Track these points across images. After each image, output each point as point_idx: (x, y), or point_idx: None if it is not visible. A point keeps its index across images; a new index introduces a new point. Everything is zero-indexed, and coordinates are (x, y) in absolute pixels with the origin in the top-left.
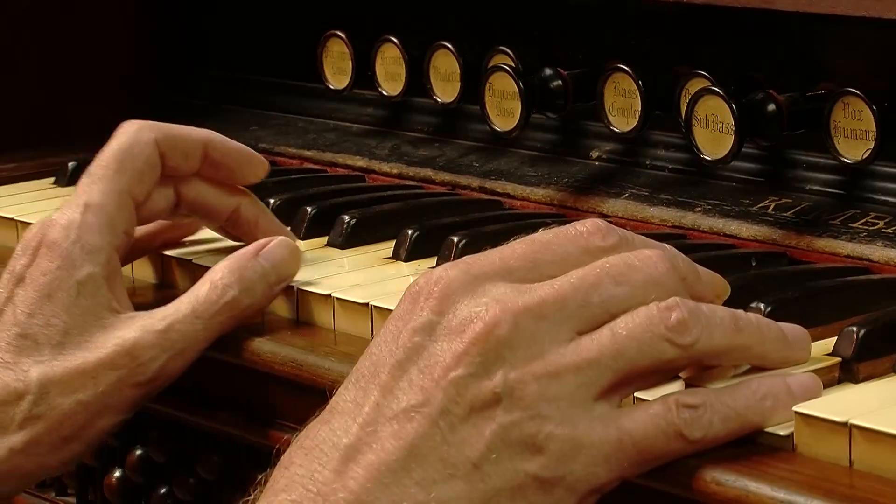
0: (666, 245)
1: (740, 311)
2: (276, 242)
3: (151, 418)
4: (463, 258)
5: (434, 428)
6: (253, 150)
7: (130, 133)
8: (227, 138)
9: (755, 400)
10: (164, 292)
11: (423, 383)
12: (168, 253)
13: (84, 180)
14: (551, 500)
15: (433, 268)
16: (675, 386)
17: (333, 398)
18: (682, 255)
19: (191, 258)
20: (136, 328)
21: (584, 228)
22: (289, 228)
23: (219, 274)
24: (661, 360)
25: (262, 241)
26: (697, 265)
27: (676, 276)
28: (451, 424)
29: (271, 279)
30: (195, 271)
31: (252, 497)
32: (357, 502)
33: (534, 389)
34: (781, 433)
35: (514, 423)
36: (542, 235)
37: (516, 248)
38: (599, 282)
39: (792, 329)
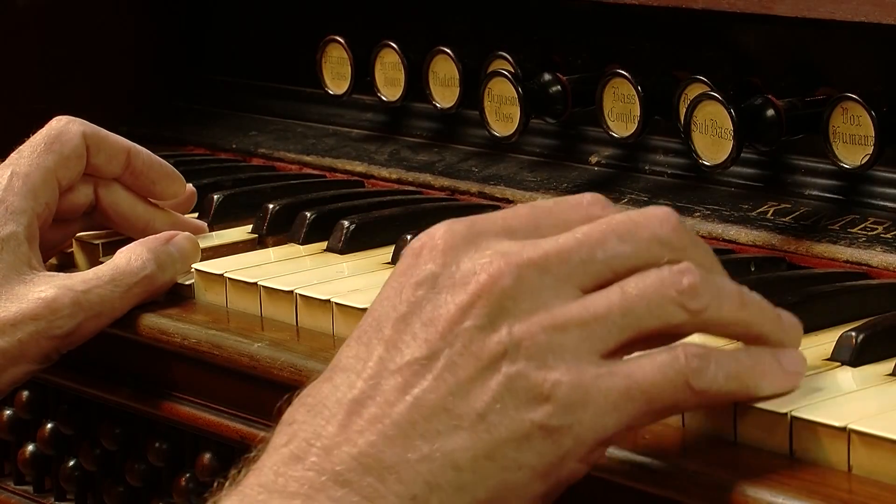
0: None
1: (745, 288)
2: (183, 236)
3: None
4: (466, 217)
5: (439, 380)
6: (175, 169)
7: (61, 123)
8: (151, 153)
9: (752, 364)
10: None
11: (427, 336)
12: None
13: (13, 156)
14: (559, 451)
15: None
16: None
17: (336, 356)
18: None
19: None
20: (56, 286)
21: (584, 199)
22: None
23: (137, 251)
24: (669, 323)
25: (170, 232)
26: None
27: (683, 236)
28: (455, 376)
29: (178, 266)
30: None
31: (253, 454)
32: (361, 456)
33: (540, 340)
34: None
35: (520, 372)
36: (543, 202)
37: (518, 211)
38: (604, 238)
39: (787, 315)
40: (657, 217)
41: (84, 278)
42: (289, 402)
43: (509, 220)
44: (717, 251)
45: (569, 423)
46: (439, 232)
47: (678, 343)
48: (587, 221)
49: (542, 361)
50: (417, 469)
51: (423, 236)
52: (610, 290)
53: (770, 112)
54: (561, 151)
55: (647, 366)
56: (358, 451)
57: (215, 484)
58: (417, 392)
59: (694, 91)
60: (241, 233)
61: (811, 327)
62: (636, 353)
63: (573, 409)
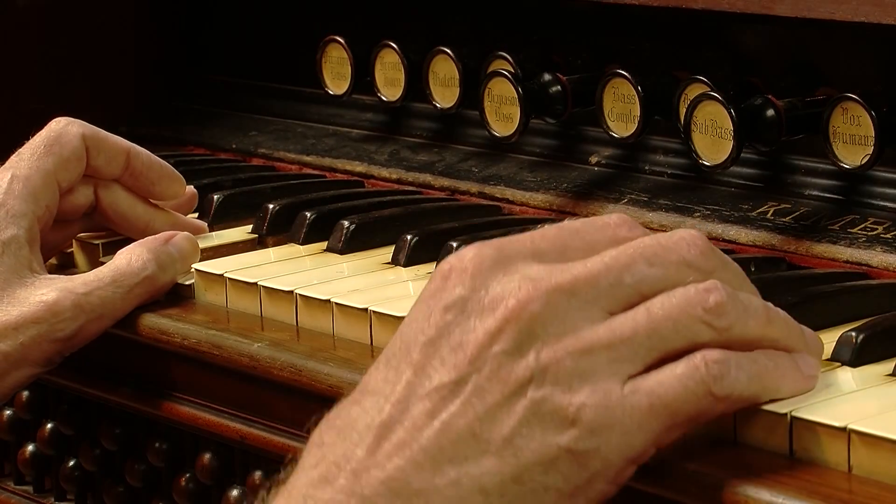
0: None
1: (770, 304)
2: (182, 236)
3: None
4: (495, 240)
5: (466, 405)
6: (174, 169)
7: (60, 125)
8: (151, 153)
9: (772, 365)
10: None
11: (455, 361)
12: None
13: (13, 158)
14: (586, 474)
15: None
16: None
17: (364, 378)
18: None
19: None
20: (57, 289)
21: (611, 220)
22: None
23: (137, 251)
24: (695, 341)
25: (170, 232)
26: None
27: (711, 259)
28: (483, 401)
29: (178, 266)
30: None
31: (283, 475)
32: (389, 480)
33: (566, 365)
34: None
35: (545, 397)
36: (570, 223)
37: (547, 232)
38: (632, 262)
39: (809, 333)
40: (685, 240)
41: (85, 280)
42: (317, 423)
43: (537, 242)
44: None
45: (595, 445)
46: (468, 255)
47: (695, 354)
48: (614, 243)
49: (568, 386)
50: (445, 494)
51: (452, 258)
52: (636, 312)
53: (770, 112)
54: (561, 151)
55: (668, 380)
56: (386, 475)
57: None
58: (445, 417)
59: (694, 91)
60: (241, 233)
61: (811, 328)
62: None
63: (599, 432)
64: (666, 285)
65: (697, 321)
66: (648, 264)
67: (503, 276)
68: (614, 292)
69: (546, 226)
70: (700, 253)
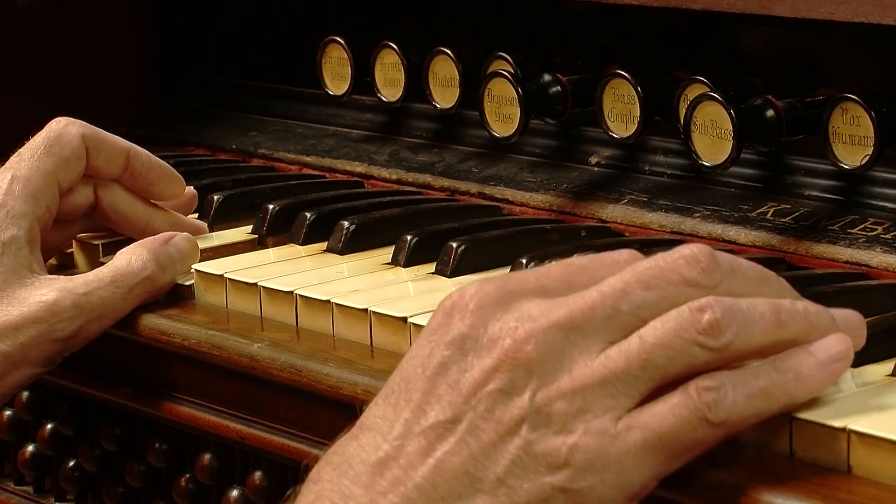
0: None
1: (785, 303)
2: (182, 236)
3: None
4: (499, 275)
5: (461, 444)
6: (174, 170)
7: (60, 125)
8: (151, 154)
9: (777, 374)
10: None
11: (451, 399)
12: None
13: (13, 159)
14: None
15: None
16: None
17: (363, 415)
18: (724, 254)
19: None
20: (57, 289)
21: (621, 257)
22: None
23: (136, 252)
24: (692, 364)
25: (169, 233)
26: (745, 261)
27: (714, 273)
28: (477, 440)
29: (178, 266)
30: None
31: None
32: None
33: (560, 407)
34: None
35: (540, 437)
36: (578, 259)
37: (552, 270)
38: (628, 288)
39: (845, 316)
40: (683, 258)
41: (85, 280)
42: (316, 459)
43: (542, 279)
44: None
45: (590, 484)
46: (470, 291)
47: (691, 381)
48: None
49: (562, 426)
50: None
51: (455, 295)
52: (629, 342)
53: (770, 112)
54: (561, 152)
55: (660, 412)
56: None
57: None
58: (440, 455)
59: (694, 91)
60: (241, 233)
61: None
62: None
63: (593, 471)
64: (665, 307)
65: (692, 344)
66: (646, 288)
67: (503, 314)
68: (612, 322)
69: (553, 263)
70: (701, 269)
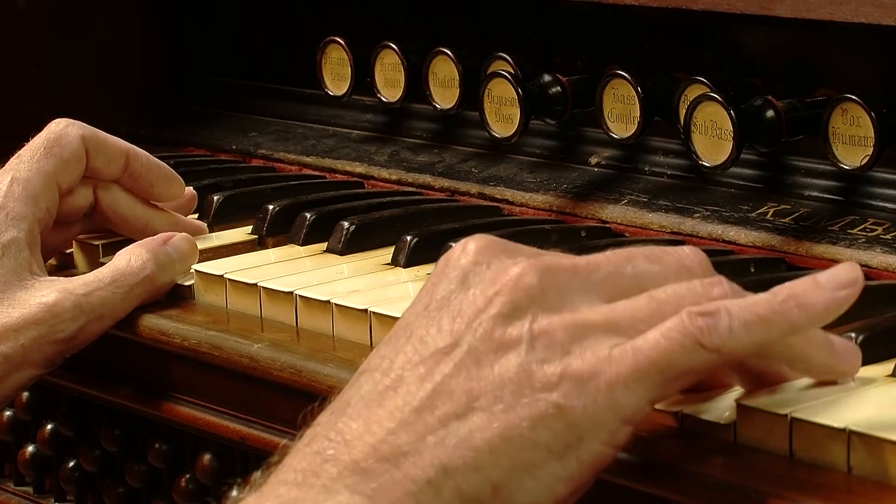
0: None
1: (768, 302)
2: (180, 236)
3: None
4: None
5: (459, 365)
6: (174, 171)
7: (60, 126)
8: (150, 155)
9: (777, 302)
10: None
11: (452, 327)
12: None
13: (13, 160)
14: (577, 432)
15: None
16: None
17: (364, 361)
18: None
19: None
20: (57, 290)
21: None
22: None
23: (136, 252)
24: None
25: (168, 233)
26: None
27: (708, 269)
28: (475, 360)
29: (177, 267)
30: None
31: (276, 459)
32: (379, 444)
33: (559, 336)
34: (781, 439)
35: (537, 357)
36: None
37: (552, 251)
38: (633, 257)
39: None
40: (684, 250)
41: (85, 281)
42: (313, 411)
43: (540, 251)
44: (717, 252)
45: (582, 403)
46: (473, 240)
47: (685, 308)
48: None
49: (560, 352)
50: (434, 453)
51: (457, 245)
52: (638, 297)
53: (770, 113)
54: (561, 152)
55: (652, 336)
56: (376, 439)
57: (232, 487)
58: (438, 378)
59: (694, 92)
60: (241, 234)
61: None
62: None
63: (586, 388)
64: (666, 282)
65: (702, 297)
66: (648, 261)
67: (505, 257)
68: (615, 280)
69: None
70: (699, 261)
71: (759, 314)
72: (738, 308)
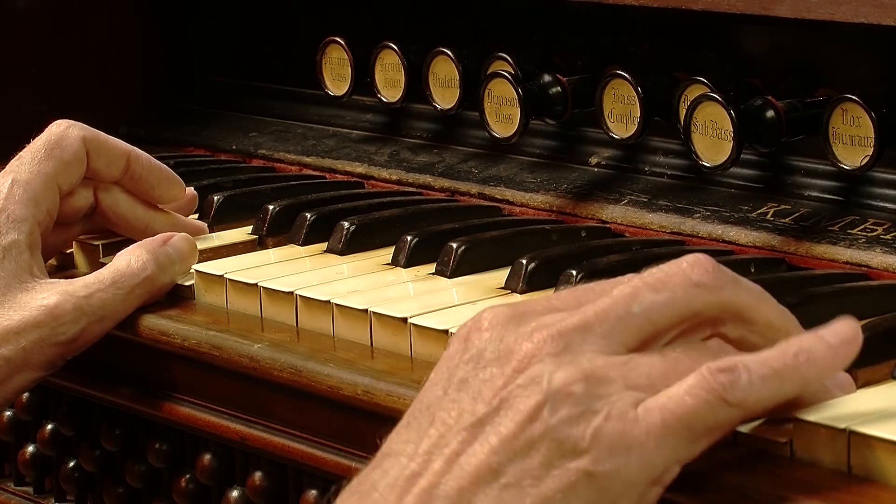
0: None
1: (781, 357)
2: (180, 237)
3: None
4: (509, 302)
5: (483, 443)
6: (174, 173)
7: (61, 128)
8: (151, 156)
9: (789, 356)
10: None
11: (473, 408)
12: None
13: (13, 162)
14: (609, 498)
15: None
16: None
17: (385, 444)
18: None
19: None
20: (58, 292)
21: (626, 278)
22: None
23: (136, 253)
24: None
25: (168, 234)
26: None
27: (719, 276)
28: (499, 435)
29: (177, 267)
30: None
31: None
32: None
33: (579, 388)
34: (781, 440)
35: (561, 420)
36: (584, 284)
37: (560, 293)
38: (637, 292)
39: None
40: (687, 262)
41: (85, 283)
42: (337, 492)
43: (552, 301)
44: (717, 252)
45: (614, 467)
46: (484, 314)
47: (703, 365)
48: None
49: (583, 409)
50: None
51: (469, 321)
52: (651, 354)
53: (770, 113)
54: (561, 152)
55: (677, 394)
56: None
57: None
58: (463, 458)
59: (694, 92)
60: (242, 234)
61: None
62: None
63: (618, 453)
64: (675, 309)
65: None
66: (655, 292)
67: (517, 328)
68: (625, 324)
69: (562, 289)
70: (705, 271)
71: (775, 368)
72: (755, 363)
